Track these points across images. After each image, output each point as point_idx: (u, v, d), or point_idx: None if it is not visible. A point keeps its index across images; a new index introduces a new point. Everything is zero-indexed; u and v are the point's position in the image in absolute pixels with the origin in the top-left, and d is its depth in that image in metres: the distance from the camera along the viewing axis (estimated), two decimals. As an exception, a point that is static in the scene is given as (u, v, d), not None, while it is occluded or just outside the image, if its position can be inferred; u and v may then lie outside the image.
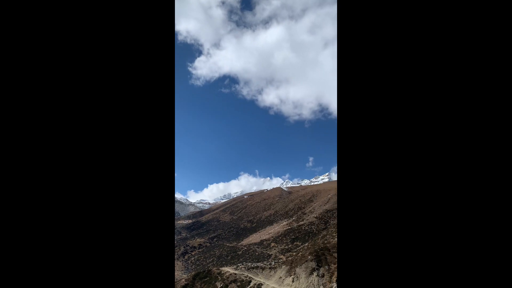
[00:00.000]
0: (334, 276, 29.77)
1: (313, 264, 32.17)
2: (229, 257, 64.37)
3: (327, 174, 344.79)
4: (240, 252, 66.50)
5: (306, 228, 71.43)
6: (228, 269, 41.62)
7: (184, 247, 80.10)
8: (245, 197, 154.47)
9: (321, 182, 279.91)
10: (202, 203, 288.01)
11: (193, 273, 44.27)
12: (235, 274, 38.59)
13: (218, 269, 42.20)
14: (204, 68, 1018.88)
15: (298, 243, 62.51)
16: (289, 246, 62.44)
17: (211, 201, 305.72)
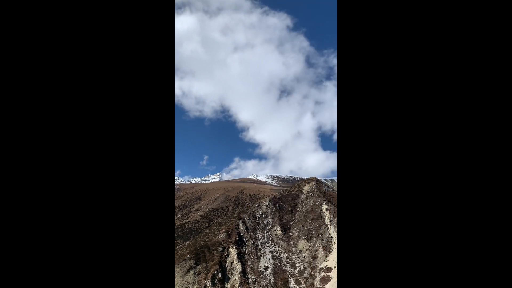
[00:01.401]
0: (210, 273, 30.42)
1: (191, 263, 31.84)
2: (94, 260, 55.20)
3: (218, 173, 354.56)
4: (110, 253, 58.32)
5: (190, 226, 70.44)
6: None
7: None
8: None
9: (211, 181, 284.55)
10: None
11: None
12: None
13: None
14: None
15: (179, 241, 60.66)
16: (169, 245, 59.64)
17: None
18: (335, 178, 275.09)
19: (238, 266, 32.07)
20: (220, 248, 34.07)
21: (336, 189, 63.69)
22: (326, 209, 41.54)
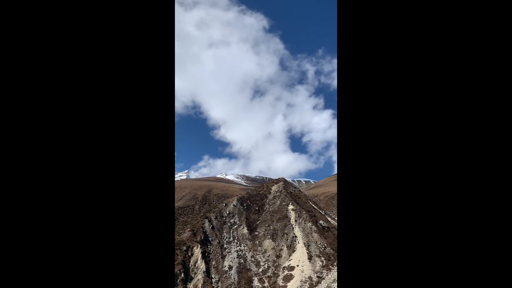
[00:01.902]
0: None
1: (152, 263, 30.65)
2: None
3: (186, 171, 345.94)
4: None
5: (153, 224, 67.81)
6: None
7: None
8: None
9: (178, 178, 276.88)
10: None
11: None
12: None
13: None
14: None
15: (140, 240, 57.97)
16: (130, 244, 56.73)
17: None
18: (302, 179, 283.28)
19: (202, 265, 31.56)
20: (184, 248, 33.24)
21: (301, 190, 65.58)
22: (292, 209, 42.57)
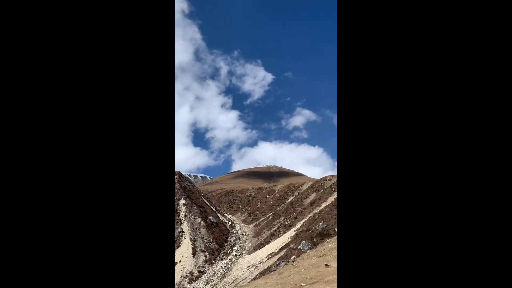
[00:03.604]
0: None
1: None
2: None
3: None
4: None
5: None
6: None
7: None
8: None
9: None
10: None
11: None
12: None
13: None
14: None
15: None
16: None
17: None
18: (199, 175, 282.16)
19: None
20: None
21: (196, 185, 65.36)
22: (184, 204, 41.84)
